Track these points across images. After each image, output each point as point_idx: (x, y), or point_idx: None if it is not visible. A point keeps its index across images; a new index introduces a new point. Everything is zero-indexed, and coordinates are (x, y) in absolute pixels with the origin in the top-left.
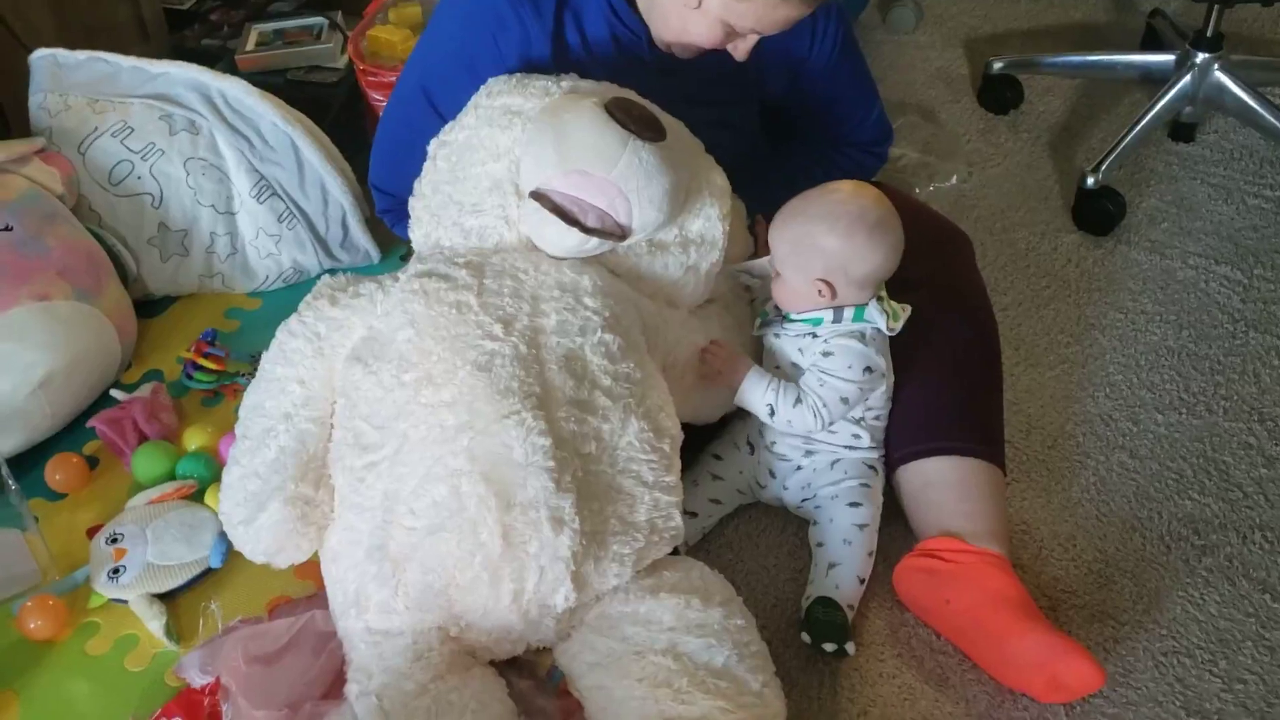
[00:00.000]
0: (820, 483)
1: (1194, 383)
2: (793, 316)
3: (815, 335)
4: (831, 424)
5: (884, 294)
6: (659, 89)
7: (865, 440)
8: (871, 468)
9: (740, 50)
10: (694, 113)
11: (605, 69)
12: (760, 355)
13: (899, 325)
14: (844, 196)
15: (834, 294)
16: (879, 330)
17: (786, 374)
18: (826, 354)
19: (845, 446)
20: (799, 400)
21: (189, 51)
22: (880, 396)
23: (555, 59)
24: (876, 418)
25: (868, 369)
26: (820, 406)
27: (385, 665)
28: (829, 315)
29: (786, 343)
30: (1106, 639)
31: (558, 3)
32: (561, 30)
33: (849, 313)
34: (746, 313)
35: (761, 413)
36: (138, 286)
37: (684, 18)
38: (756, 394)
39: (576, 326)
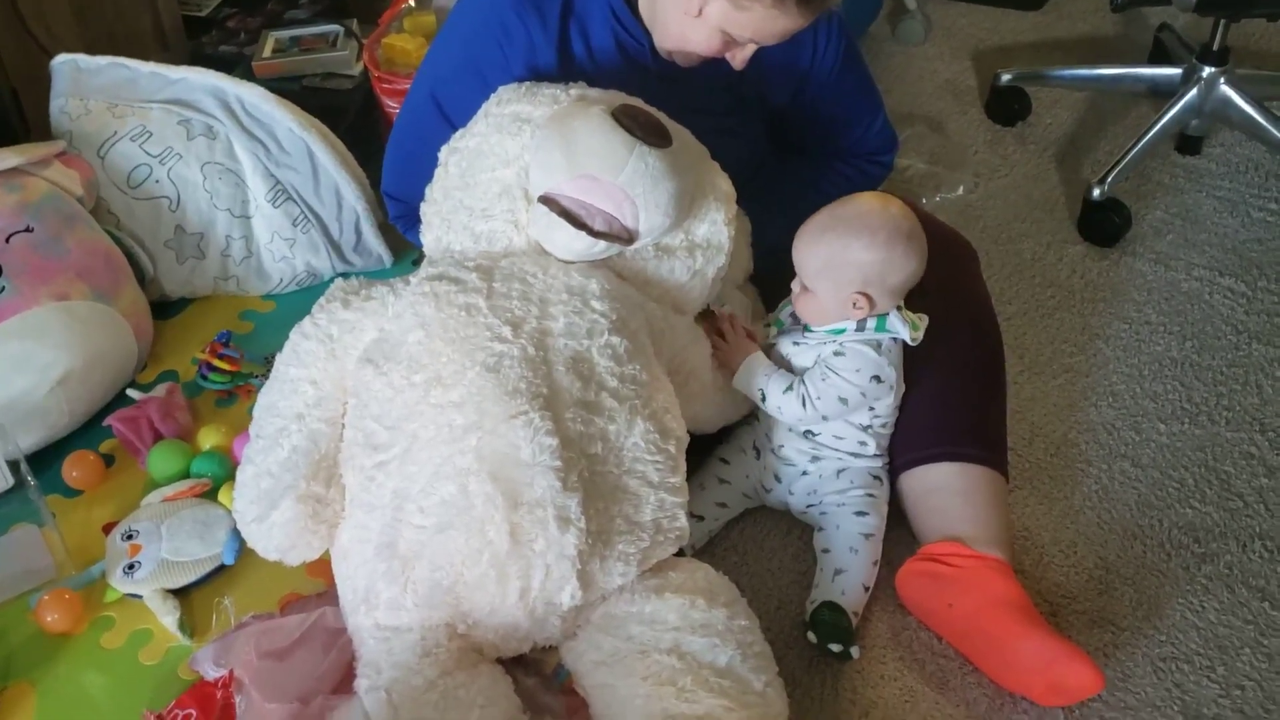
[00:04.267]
0: (826, 490)
1: (1196, 393)
2: (813, 328)
3: (834, 342)
4: (825, 418)
5: (901, 304)
6: (662, 96)
7: (871, 448)
8: (877, 478)
9: (738, 59)
10: (697, 121)
11: (609, 77)
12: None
13: (920, 334)
14: (875, 208)
15: (872, 305)
16: (895, 340)
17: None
18: (838, 354)
19: (851, 453)
20: (789, 388)
21: (207, 58)
22: (888, 406)
23: (561, 67)
24: (884, 425)
25: (875, 378)
26: (814, 398)
27: (394, 661)
28: (852, 325)
29: (806, 351)
30: (1106, 644)
31: (563, 12)
32: (567, 39)
33: (871, 323)
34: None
35: (755, 396)
36: (154, 288)
37: (684, 26)
38: (752, 376)
39: (584, 329)
